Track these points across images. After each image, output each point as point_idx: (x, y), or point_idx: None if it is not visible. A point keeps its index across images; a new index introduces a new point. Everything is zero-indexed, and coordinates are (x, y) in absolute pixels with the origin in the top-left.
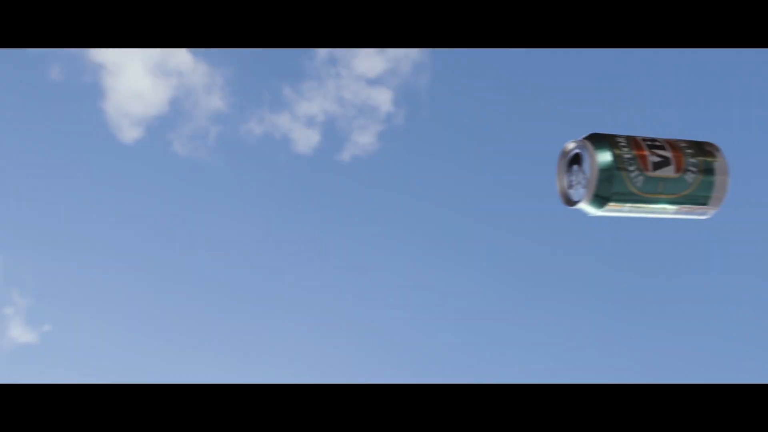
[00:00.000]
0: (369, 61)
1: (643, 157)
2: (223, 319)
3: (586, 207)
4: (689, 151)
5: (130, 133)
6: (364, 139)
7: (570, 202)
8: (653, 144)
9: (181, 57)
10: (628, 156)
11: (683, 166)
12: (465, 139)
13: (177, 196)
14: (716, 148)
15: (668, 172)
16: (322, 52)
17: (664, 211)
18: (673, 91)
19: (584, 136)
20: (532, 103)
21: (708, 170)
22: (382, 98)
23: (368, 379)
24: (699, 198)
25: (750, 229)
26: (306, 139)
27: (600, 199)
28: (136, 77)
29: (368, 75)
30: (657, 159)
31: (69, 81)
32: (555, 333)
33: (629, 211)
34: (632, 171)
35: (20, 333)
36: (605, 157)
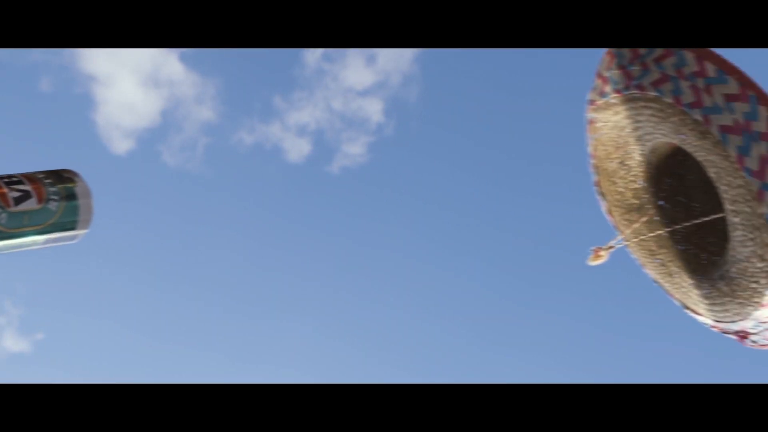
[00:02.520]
0: (360, 72)
1: (3, 195)
2: (216, 322)
3: None
4: (48, 180)
5: (121, 145)
6: (354, 150)
7: None
8: (11, 180)
9: (172, 67)
10: None
11: (45, 197)
12: (455, 149)
13: (168, 205)
14: (75, 174)
15: (31, 204)
16: (313, 63)
17: (35, 243)
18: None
19: None
20: (522, 112)
21: (70, 196)
22: (373, 109)
23: (367, 379)
24: (66, 224)
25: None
26: (297, 149)
27: None
28: (128, 88)
29: (359, 86)
30: (17, 194)
31: (59, 92)
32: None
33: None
34: None
35: (13, 342)
36: None
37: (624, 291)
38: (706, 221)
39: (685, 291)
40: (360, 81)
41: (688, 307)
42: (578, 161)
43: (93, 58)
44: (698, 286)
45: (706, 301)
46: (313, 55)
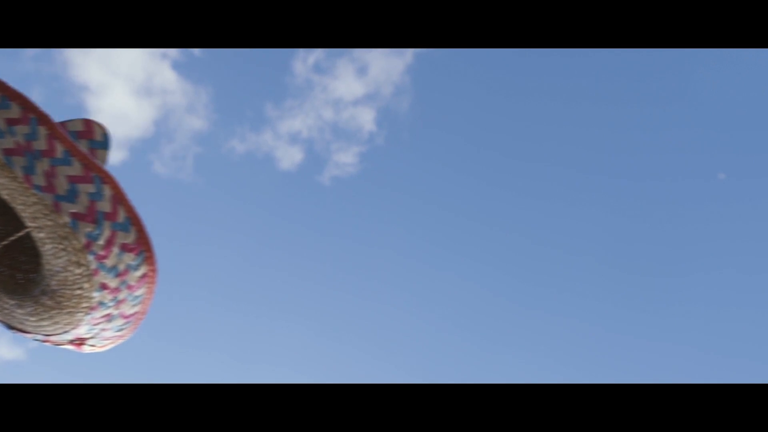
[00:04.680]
0: (352, 82)
1: None
2: (209, 324)
3: None
4: None
5: (113, 155)
6: (345, 159)
7: None
8: None
9: (164, 75)
10: None
11: None
12: (446, 158)
13: (159, 215)
14: None
15: None
16: (304, 72)
17: None
18: (666, 91)
19: None
20: (510, 123)
21: None
22: (364, 119)
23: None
24: None
25: None
26: (289, 157)
27: None
28: (120, 98)
29: (350, 96)
30: None
31: (52, 102)
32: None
33: None
34: None
35: (7, 350)
36: None
37: None
38: (11, 242)
39: (8, 312)
40: (351, 91)
41: (14, 328)
42: (575, 162)
43: (85, 67)
44: (21, 306)
45: (33, 319)
46: (303, 65)
